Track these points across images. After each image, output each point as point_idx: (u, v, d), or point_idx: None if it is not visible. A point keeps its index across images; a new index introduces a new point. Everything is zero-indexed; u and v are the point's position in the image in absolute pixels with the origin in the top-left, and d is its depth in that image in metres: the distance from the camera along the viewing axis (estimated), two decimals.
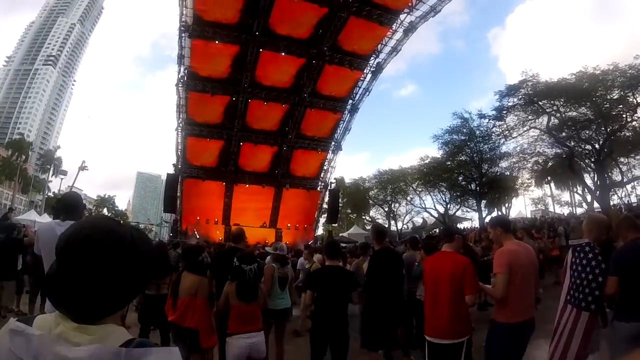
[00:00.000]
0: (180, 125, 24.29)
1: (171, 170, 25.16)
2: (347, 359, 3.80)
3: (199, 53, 21.77)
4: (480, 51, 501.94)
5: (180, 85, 23.08)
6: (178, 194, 24.71)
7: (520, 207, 46.42)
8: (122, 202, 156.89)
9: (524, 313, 3.18)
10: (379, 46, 24.12)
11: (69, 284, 0.73)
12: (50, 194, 55.58)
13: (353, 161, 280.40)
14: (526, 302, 3.22)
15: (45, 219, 23.99)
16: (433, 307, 3.41)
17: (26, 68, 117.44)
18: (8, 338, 0.71)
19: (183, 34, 21.32)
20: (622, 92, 20.50)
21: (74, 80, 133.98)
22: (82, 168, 22.90)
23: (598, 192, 22.43)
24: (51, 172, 60.02)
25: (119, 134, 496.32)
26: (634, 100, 20.23)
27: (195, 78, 22.84)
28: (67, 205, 3.05)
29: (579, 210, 31.65)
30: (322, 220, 29.75)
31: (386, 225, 32.87)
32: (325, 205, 27.90)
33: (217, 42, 21.51)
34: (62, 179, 47.65)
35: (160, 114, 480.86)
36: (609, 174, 24.27)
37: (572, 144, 23.21)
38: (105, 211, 68.70)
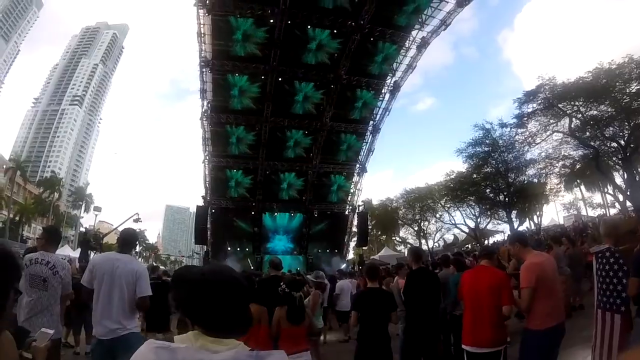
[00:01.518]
0: (207, 157, 24.95)
1: (200, 202, 25.72)
2: None
3: (219, 86, 22.45)
4: (492, 56, 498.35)
5: (204, 118, 23.80)
6: (208, 226, 25.15)
7: (552, 213, 44.89)
8: (152, 234, 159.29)
9: (553, 318, 3.36)
10: (394, 65, 24.36)
11: (211, 310, 0.97)
12: (82, 229, 57.38)
13: (378, 179, 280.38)
14: (553, 308, 3.40)
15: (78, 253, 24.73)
16: (473, 318, 3.60)
17: (53, 109, 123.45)
18: (154, 354, 0.90)
19: (203, 69, 22.13)
20: None
21: (100, 118, 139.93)
22: (137, 220, 24.49)
23: (629, 190, 21.67)
24: (83, 208, 62.07)
25: (146, 168, 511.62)
26: None
27: (219, 110, 23.54)
28: (125, 240, 3.50)
29: (612, 211, 30.46)
30: (352, 244, 29.64)
31: (417, 244, 32.43)
32: (354, 229, 27.86)
33: (236, 74, 22.25)
34: (96, 214, 49.28)
35: (185, 147, 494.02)
36: (638, 169, 23.40)
37: (597, 143, 22.57)
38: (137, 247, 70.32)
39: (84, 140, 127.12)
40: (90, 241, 26.30)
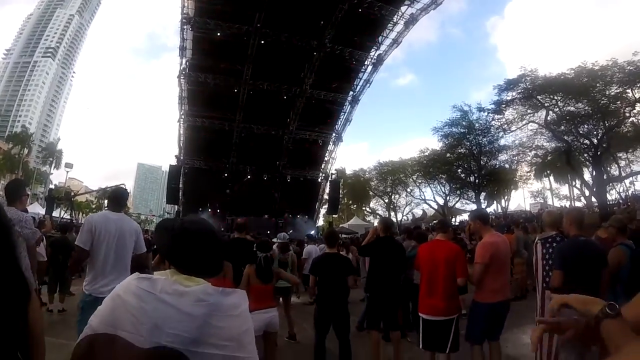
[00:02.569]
0: (182, 117, 24.46)
1: (173, 162, 25.43)
2: (349, 338, 4.29)
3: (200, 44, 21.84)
4: (479, 40, 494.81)
5: (182, 77, 23.19)
6: (180, 186, 24.94)
7: (520, 199, 46.62)
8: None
9: (499, 294, 3.66)
10: (380, 38, 24.19)
11: (192, 253, 1.14)
12: (52, 186, 55.73)
13: (352, 150, 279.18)
14: (500, 285, 3.70)
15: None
16: (429, 288, 3.82)
17: (25, 60, 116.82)
18: (136, 280, 1.09)
19: (185, 26, 21.39)
20: (620, 88, 20.62)
21: (74, 72, 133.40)
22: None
23: (595, 187, 22.65)
24: (53, 165, 60.08)
25: (119, 125, 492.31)
26: (633, 96, 20.35)
27: (197, 69, 22.95)
28: (116, 199, 3.60)
29: (578, 204, 31.82)
30: (323, 211, 30.08)
31: (387, 216, 33.15)
32: (326, 196, 28.16)
33: (218, 34, 21.62)
34: (67, 171, 47.80)
35: (159, 105, 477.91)
36: (607, 168, 24.46)
37: (571, 138, 23.38)
38: (106, 202, 68.86)
39: (55, 94, 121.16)
40: (56, 197, 25.77)
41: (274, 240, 7.16)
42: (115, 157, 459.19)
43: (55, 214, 23.89)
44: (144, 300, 1.04)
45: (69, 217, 23.51)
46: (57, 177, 65.73)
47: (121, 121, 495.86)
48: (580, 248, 3.23)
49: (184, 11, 20.90)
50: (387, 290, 4.59)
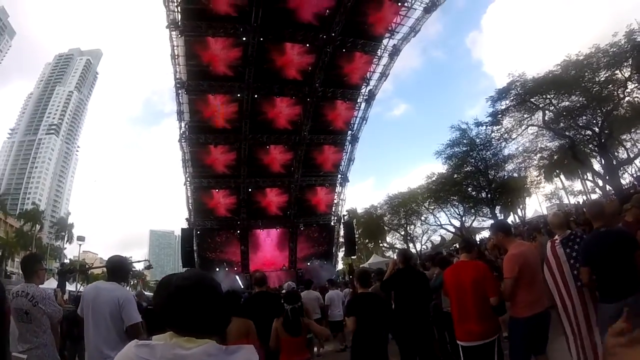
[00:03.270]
0: (188, 179, 24.74)
1: (185, 225, 25.46)
2: None
3: (196, 106, 22.39)
4: (462, 57, 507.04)
5: (183, 140, 23.64)
6: (194, 248, 24.86)
7: (535, 205, 45.65)
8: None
9: (536, 306, 3.42)
10: (368, 74, 24.70)
11: (188, 311, 1.06)
12: (67, 261, 55.93)
13: (360, 189, 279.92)
14: (536, 296, 3.46)
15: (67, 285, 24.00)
16: (460, 312, 3.64)
17: (30, 139, 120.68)
18: (135, 350, 1.04)
19: (179, 91, 22.04)
20: (609, 72, 20.69)
21: (78, 146, 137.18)
22: (148, 267, 24.96)
23: (607, 175, 22.26)
24: (66, 239, 60.55)
25: (128, 194, 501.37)
26: (622, 76, 20.40)
27: (197, 131, 23.43)
28: (111, 268, 3.49)
29: (594, 197, 31.18)
30: (341, 254, 29.66)
31: (405, 248, 32.60)
32: (341, 239, 27.87)
33: (212, 94, 22.23)
34: (80, 244, 48.09)
35: (165, 170, 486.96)
36: (615, 154, 24.10)
37: (572, 132, 23.25)
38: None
39: (62, 169, 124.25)
40: (67, 271, 25.85)
41: (283, 291, 6.92)
42: (127, 226, 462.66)
43: (72, 287, 23.84)
44: None
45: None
46: (71, 252, 66.07)
47: (129, 190, 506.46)
48: (603, 239, 3.24)
49: (177, 76, 21.54)
50: (418, 323, 4.40)
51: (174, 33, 19.60)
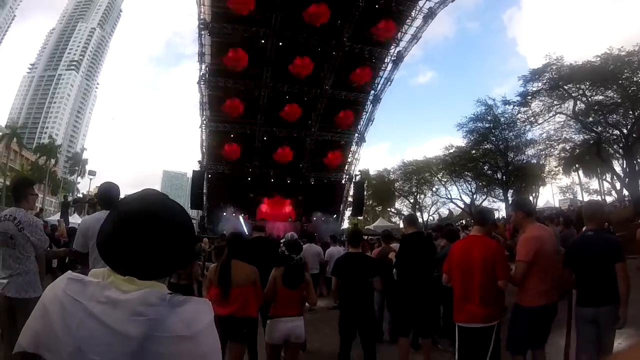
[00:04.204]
0: (204, 122, 24.61)
1: (197, 167, 25.61)
2: (376, 346, 4.02)
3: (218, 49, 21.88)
4: (496, 33, 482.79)
5: (202, 83, 23.32)
6: (204, 191, 25.08)
7: (548, 196, 45.03)
8: None
9: (545, 297, 3.21)
10: (399, 34, 23.73)
11: (126, 247, 0.85)
12: (80, 195, 57.44)
13: (374, 151, 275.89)
14: (548, 286, 3.23)
15: (76, 218, 24.67)
16: (464, 292, 3.36)
17: (50, 74, 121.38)
18: (65, 284, 0.85)
19: (202, 32, 21.52)
20: None
21: (97, 83, 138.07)
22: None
23: (627, 179, 21.71)
24: (80, 174, 61.98)
25: (143, 133, 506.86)
26: None
27: (217, 74, 23.02)
28: (102, 197, 3.35)
29: (608, 199, 30.63)
30: (348, 213, 29.79)
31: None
32: (350, 198, 27.86)
33: (235, 38, 21.63)
34: (91, 179, 49.28)
35: (182, 111, 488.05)
36: (639, 159, 23.37)
37: (600, 129, 22.77)
38: None
39: (80, 105, 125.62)
40: (70, 202, 26.50)
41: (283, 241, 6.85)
42: (141, 165, 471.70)
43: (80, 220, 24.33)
44: (69, 312, 0.80)
45: None
46: (84, 186, 67.77)
47: (145, 129, 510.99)
48: (589, 242, 3.15)
49: (201, 17, 21.01)
50: (419, 292, 4.21)
51: None
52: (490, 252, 3.28)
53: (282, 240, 7.69)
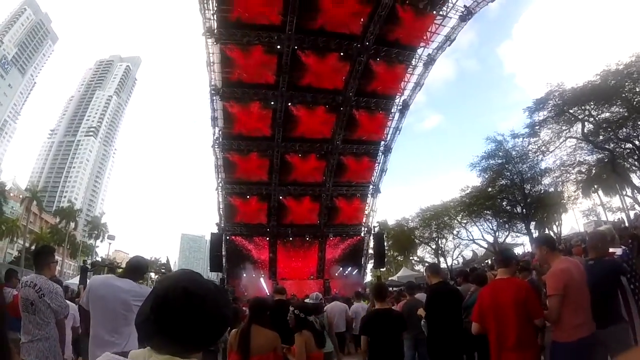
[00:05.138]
0: (220, 184, 25.11)
1: (215, 230, 25.81)
2: None
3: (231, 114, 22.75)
4: (494, 68, 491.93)
5: (216, 146, 24.05)
6: (223, 253, 25.13)
7: (572, 222, 43.63)
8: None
9: (583, 329, 3.08)
10: (402, 84, 24.43)
11: (167, 325, 0.89)
12: (98, 259, 57.96)
13: (392, 200, 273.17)
14: (583, 318, 3.12)
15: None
16: (499, 339, 3.22)
17: (69, 140, 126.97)
18: None
19: (214, 97, 22.49)
20: None
21: (115, 149, 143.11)
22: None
23: None
24: (99, 237, 62.87)
25: (161, 197, 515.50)
26: None
27: (230, 137, 23.77)
28: (132, 267, 3.48)
29: (632, 213, 29.67)
30: (370, 266, 29.30)
31: (435, 263, 31.85)
32: (371, 251, 27.53)
33: (245, 102, 22.54)
34: (110, 243, 49.92)
35: (199, 175, 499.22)
36: None
37: (612, 145, 22.49)
38: (153, 274, 70.75)
39: (99, 170, 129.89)
40: (89, 267, 26.64)
41: (307, 300, 6.63)
42: (160, 229, 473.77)
43: None
44: None
45: None
46: (103, 250, 68.59)
47: (163, 193, 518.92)
48: (589, 271, 3.27)
49: (212, 83, 21.99)
50: (451, 343, 4.12)
51: (209, 40, 20.08)
52: (521, 294, 3.21)
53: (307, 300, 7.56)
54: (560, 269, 3.21)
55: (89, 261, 55.12)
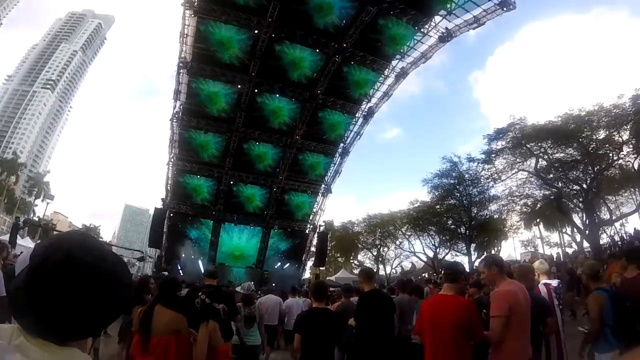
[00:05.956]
0: (172, 160, 24.30)
1: (159, 205, 24.94)
2: None
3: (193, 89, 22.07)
4: (461, 93, 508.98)
5: (174, 120, 23.25)
6: (164, 230, 24.32)
7: (510, 250, 46.25)
8: (107, 233, 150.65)
9: (522, 354, 3.09)
10: (371, 91, 24.72)
11: (41, 301, 0.68)
12: (35, 218, 54.47)
13: (340, 202, 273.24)
14: (524, 342, 3.13)
15: (27, 242, 23.17)
16: (433, 354, 3.15)
17: (24, 89, 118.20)
18: None
19: (181, 70, 21.72)
20: (607, 132, 21.02)
21: (70, 107, 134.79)
22: (141, 259, 24.57)
23: (587, 231, 22.46)
24: (40, 196, 59.05)
25: (109, 164, 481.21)
26: (620, 138, 20.74)
27: (190, 114, 23.06)
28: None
29: (569, 251, 31.67)
30: (310, 263, 29.39)
31: (375, 270, 32.50)
32: (313, 248, 27.62)
33: (213, 80, 21.97)
34: (48, 203, 47.01)
35: (152, 147, 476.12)
36: (597, 212, 24.41)
37: (560, 184, 23.49)
38: None
39: (50, 126, 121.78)
40: (20, 225, 25.07)
41: (238, 290, 6.45)
42: (104, 196, 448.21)
43: (32, 245, 22.85)
44: None
45: None
46: (43, 210, 64.48)
47: (112, 160, 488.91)
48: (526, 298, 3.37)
49: (182, 55, 21.20)
50: (380, 353, 4.03)
51: (187, 12, 19.38)
52: (463, 314, 3.08)
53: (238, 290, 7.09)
54: (507, 290, 3.17)
55: (22, 219, 51.69)
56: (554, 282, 4.57)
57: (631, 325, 3.46)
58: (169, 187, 24.79)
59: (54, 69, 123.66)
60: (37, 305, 0.68)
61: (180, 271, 22.09)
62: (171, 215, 24.76)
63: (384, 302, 4.35)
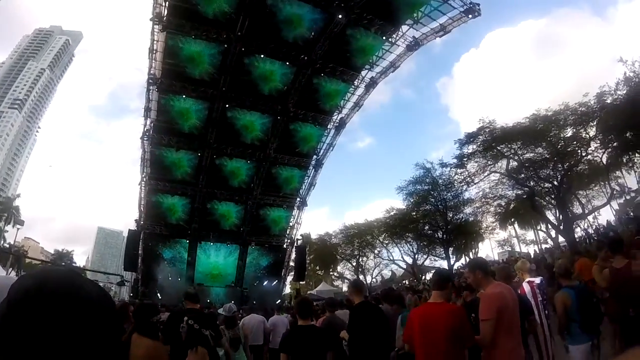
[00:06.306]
0: (144, 179, 23.84)
1: (133, 227, 24.36)
2: None
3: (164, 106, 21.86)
4: (430, 100, 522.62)
5: (145, 138, 22.86)
6: (140, 252, 23.73)
7: (487, 250, 47.25)
8: (81, 258, 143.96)
9: (516, 354, 3.11)
10: (342, 102, 24.98)
11: (19, 339, 0.60)
12: (6, 245, 52.12)
13: (315, 215, 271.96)
14: (515, 342, 3.15)
15: None
16: None
17: None
18: None
19: (151, 87, 21.43)
20: (574, 129, 21.69)
21: (39, 127, 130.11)
22: (120, 283, 24.03)
23: (562, 226, 23.02)
24: (9, 222, 56.53)
25: (81, 184, 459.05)
26: (587, 135, 21.40)
27: (161, 131, 22.74)
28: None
29: (545, 246, 32.44)
30: (290, 278, 29.14)
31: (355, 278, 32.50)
32: (292, 263, 27.45)
33: (183, 96, 21.76)
34: (18, 229, 45.08)
35: (121, 167, 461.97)
36: (570, 207, 25.10)
37: (532, 183, 23.96)
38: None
39: (18, 147, 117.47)
40: None
41: (220, 312, 6.23)
42: (75, 218, 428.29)
43: (3, 273, 21.76)
44: None
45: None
46: (13, 236, 61.79)
47: (83, 182, 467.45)
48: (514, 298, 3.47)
49: (151, 72, 20.95)
50: None
51: (157, 27, 19.20)
52: (454, 321, 3.05)
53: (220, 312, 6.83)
54: (494, 293, 3.17)
55: None
56: (537, 280, 4.83)
57: (598, 319, 3.92)
58: (142, 208, 24.27)
59: (21, 88, 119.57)
60: (15, 342, 0.61)
61: (158, 294, 21.56)
62: (146, 236, 24.21)
63: (376, 314, 4.30)
